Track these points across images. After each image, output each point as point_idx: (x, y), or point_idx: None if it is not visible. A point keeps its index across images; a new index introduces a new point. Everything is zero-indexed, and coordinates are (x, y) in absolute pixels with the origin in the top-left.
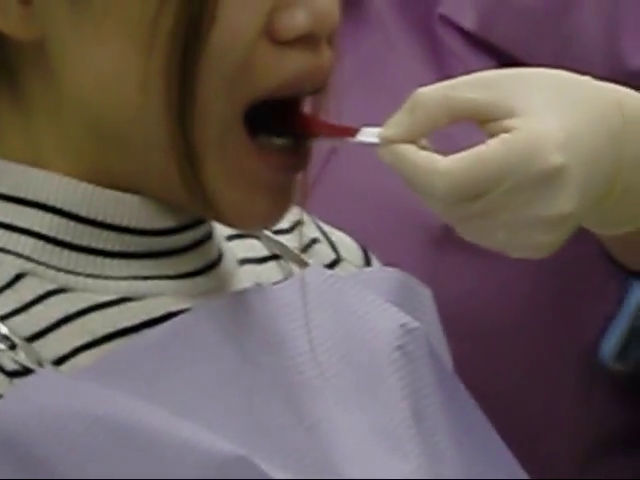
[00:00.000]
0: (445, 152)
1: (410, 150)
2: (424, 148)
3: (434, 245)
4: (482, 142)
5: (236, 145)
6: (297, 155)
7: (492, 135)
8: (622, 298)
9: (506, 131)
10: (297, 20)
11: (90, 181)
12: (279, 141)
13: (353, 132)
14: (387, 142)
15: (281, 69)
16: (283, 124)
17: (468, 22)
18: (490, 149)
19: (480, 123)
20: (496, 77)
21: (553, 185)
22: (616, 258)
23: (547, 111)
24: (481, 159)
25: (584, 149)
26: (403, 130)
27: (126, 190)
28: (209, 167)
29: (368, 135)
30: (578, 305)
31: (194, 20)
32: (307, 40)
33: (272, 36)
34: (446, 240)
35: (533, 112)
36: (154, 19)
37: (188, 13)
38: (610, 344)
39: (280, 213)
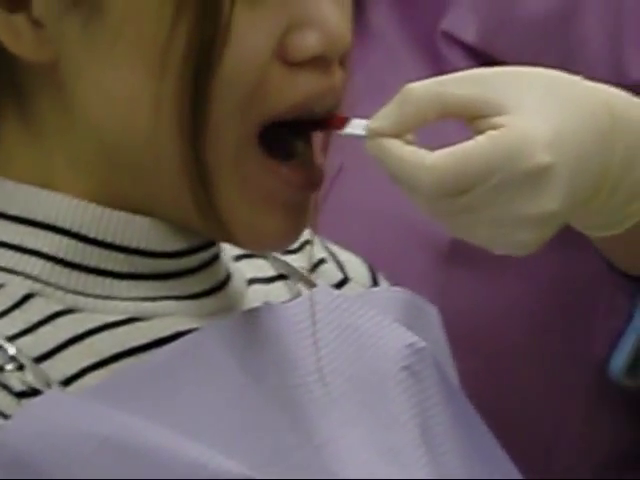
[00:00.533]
0: (433, 147)
1: (396, 144)
2: (409, 143)
3: (442, 260)
4: (470, 138)
5: (251, 165)
6: (311, 172)
7: (479, 132)
8: (631, 313)
9: (494, 128)
10: (309, 42)
11: (100, 202)
12: (292, 160)
13: (343, 121)
14: (374, 135)
15: (293, 90)
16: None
17: (470, 37)
18: (477, 145)
19: (468, 120)
20: (486, 74)
21: (539, 183)
22: (616, 265)
23: (536, 110)
24: (467, 155)
25: (571, 148)
26: (390, 123)
27: (137, 211)
28: (223, 189)
29: (357, 127)
30: (587, 321)
31: (206, 44)
32: (319, 61)
33: (284, 58)
34: (454, 255)
35: (521, 110)
36: (167, 43)
37: (200, 37)
38: (620, 360)
39: (296, 232)
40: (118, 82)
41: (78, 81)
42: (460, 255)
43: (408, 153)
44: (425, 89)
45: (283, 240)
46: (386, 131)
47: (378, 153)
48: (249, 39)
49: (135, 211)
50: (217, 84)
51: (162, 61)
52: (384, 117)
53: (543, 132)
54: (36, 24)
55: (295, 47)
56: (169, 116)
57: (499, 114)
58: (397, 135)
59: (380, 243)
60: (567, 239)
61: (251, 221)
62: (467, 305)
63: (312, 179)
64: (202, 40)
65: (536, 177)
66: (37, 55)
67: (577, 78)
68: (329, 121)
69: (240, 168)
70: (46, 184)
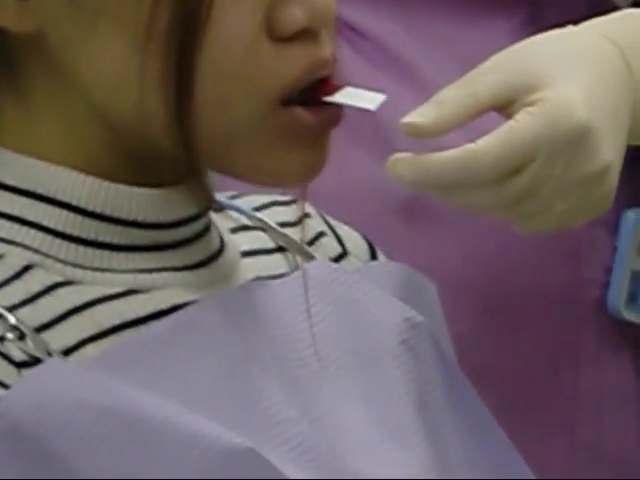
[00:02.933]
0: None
1: (433, 155)
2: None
3: (407, 218)
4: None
5: (266, 122)
6: (327, 110)
7: (510, 116)
8: (614, 247)
9: (529, 106)
10: (295, 15)
11: (94, 174)
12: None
13: (334, 88)
14: (415, 132)
15: (285, 65)
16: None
17: None
18: (520, 123)
19: (501, 108)
20: (507, 58)
21: (587, 141)
22: None
23: (563, 78)
24: (514, 133)
25: (604, 101)
26: (430, 122)
27: (132, 183)
28: (237, 146)
29: (348, 95)
30: (572, 261)
31: (189, 19)
32: (307, 34)
33: (271, 33)
34: (416, 211)
35: (550, 82)
36: (150, 17)
37: (183, 12)
38: (615, 292)
39: (315, 167)
40: (104, 54)
41: (65, 51)
42: (422, 210)
43: (453, 153)
44: (457, 88)
45: (303, 176)
46: (426, 131)
47: (419, 171)
48: (233, 14)
49: (130, 182)
50: (205, 60)
51: (146, 35)
52: (422, 115)
53: (575, 96)
54: None
55: (281, 21)
56: (155, 90)
57: (531, 92)
58: (436, 135)
59: (347, 213)
60: None
61: (271, 163)
62: (439, 261)
63: (330, 117)
64: (185, 15)
65: (582, 136)
66: (21, 26)
67: (592, 28)
68: (321, 87)
69: (254, 132)
70: (40, 154)
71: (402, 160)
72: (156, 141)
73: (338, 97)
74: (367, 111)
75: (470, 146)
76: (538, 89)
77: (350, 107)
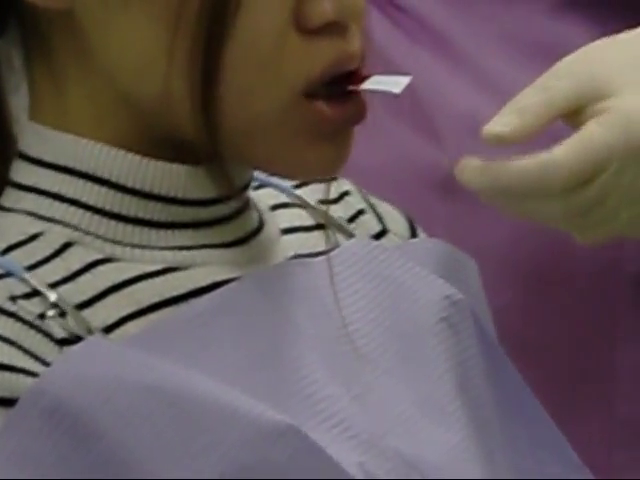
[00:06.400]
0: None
1: (504, 163)
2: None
3: (444, 196)
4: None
5: (291, 114)
6: (352, 106)
7: (582, 123)
8: None
9: (598, 114)
10: (323, 8)
11: (132, 151)
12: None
13: (362, 78)
14: (498, 141)
15: (312, 57)
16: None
17: None
18: (593, 134)
19: (570, 115)
20: (579, 62)
21: None
22: None
23: (632, 87)
24: (588, 145)
25: None
26: (511, 131)
27: (171, 160)
28: (261, 137)
29: (377, 82)
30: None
31: (220, 5)
32: (335, 27)
33: (300, 25)
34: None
35: (619, 91)
36: (180, 2)
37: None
38: None
39: (337, 162)
40: (132, 33)
41: (94, 29)
42: (461, 186)
43: (526, 162)
44: (535, 95)
45: (324, 170)
46: (509, 141)
47: (491, 179)
48: (263, 4)
49: (166, 159)
50: (231, 48)
51: (175, 19)
52: (503, 125)
53: None
54: None
55: (310, 14)
56: (181, 75)
57: (600, 100)
58: (516, 142)
59: (384, 188)
60: None
61: (291, 155)
62: (477, 237)
63: (354, 114)
64: (215, 3)
65: None
66: (52, 2)
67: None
68: (347, 79)
69: (276, 123)
70: (75, 131)
71: (471, 166)
72: (180, 126)
73: (362, 86)
74: (392, 95)
75: (543, 157)
76: (606, 97)
77: (375, 92)
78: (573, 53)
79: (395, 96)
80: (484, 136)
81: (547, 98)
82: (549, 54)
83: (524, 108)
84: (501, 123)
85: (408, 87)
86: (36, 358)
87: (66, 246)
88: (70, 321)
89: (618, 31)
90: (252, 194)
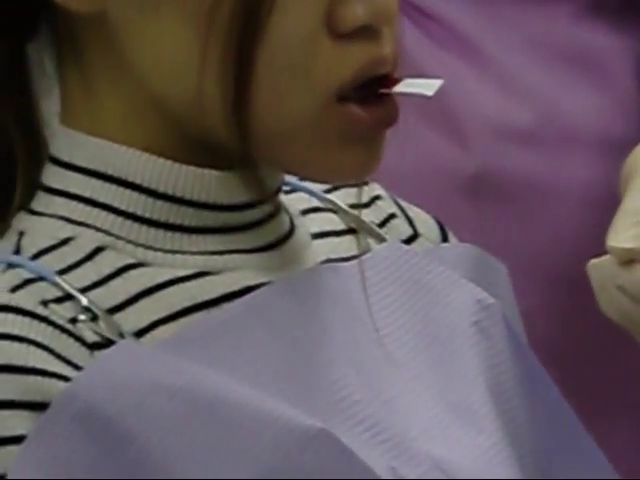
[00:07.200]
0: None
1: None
2: None
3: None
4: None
5: (324, 116)
6: (384, 109)
7: None
8: None
9: None
10: (356, 11)
11: (163, 156)
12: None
13: (394, 82)
14: (630, 256)
15: (344, 62)
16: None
17: None
18: None
19: None
20: None
21: None
22: None
23: None
24: None
25: None
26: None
27: (202, 165)
28: (294, 139)
29: (409, 85)
30: None
31: (252, 8)
32: (367, 32)
33: (332, 29)
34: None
35: None
36: (212, 6)
37: (246, 1)
38: None
39: (369, 166)
40: (164, 39)
41: (126, 34)
42: (487, 189)
43: None
44: None
45: (356, 174)
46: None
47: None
48: (296, 7)
49: (197, 162)
50: (263, 51)
51: (207, 23)
52: (634, 239)
53: None
54: None
55: (342, 17)
56: (213, 79)
57: None
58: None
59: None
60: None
61: (323, 159)
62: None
63: (386, 116)
64: (248, 5)
65: None
66: (84, 6)
67: None
68: (379, 83)
69: (308, 127)
70: (107, 136)
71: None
72: (212, 130)
73: (395, 88)
74: (425, 97)
75: None
76: None
77: (407, 95)
78: None
79: (428, 98)
80: (611, 251)
81: None
82: (574, 59)
83: None
84: (632, 238)
85: (439, 90)
86: (68, 362)
87: (97, 251)
88: (102, 325)
89: None
90: (283, 198)
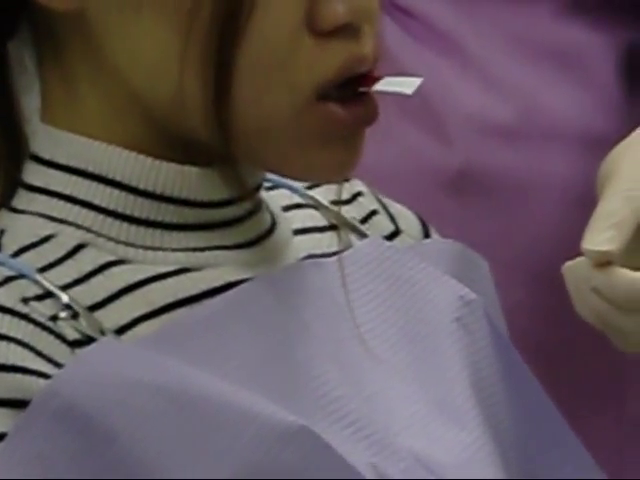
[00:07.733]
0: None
1: (622, 270)
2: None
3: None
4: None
5: (303, 115)
6: (363, 108)
7: None
8: None
9: None
10: (336, 10)
11: (143, 153)
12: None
13: (374, 80)
14: (607, 259)
15: (325, 60)
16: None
17: None
18: None
19: None
20: None
21: None
22: None
23: None
24: None
25: None
26: (617, 248)
27: (182, 162)
28: (272, 137)
29: (388, 84)
30: None
31: (233, 8)
32: (348, 30)
33: (313, 27)
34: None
35: None
36: (193, 5)
37: (226, 4)
38: None
39: (348, 165)
40: (144, 38)
41: (105, 32)
42: (470, 185)
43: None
44: (625, 207)
45: (335, 173)
46: (615, 257)
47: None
48: (277, 6)
49: (177, 159)
50: (244, 50)
51: (188, 24)
52: (610, 241)
53: None
54: None
55: (323, 16)
56: (193, 78)
57: None
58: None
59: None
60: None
61: (303, 157)
62: (487, 236)
63: (365, 115)
64: (228, 4)
65: None
66: (62, 4)
67: None
68: (359, 81)
69: (288, 125)
70: (88, 133)
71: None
72: (193, 128)
73: (374, 87)
74: (404, 96)
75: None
76: None
77: (386, 94)
78: (630, 144)
79: (407, 97)
80: (586, 253)
81: (633, 209)
82: (555, 56)
83: (621, 223)
84: (607, 240)
85: (419, 89)
86: (48, 360)
87: (78, 248)
88: (82, 323)
89: (622, 36)
90: (264, 195)
